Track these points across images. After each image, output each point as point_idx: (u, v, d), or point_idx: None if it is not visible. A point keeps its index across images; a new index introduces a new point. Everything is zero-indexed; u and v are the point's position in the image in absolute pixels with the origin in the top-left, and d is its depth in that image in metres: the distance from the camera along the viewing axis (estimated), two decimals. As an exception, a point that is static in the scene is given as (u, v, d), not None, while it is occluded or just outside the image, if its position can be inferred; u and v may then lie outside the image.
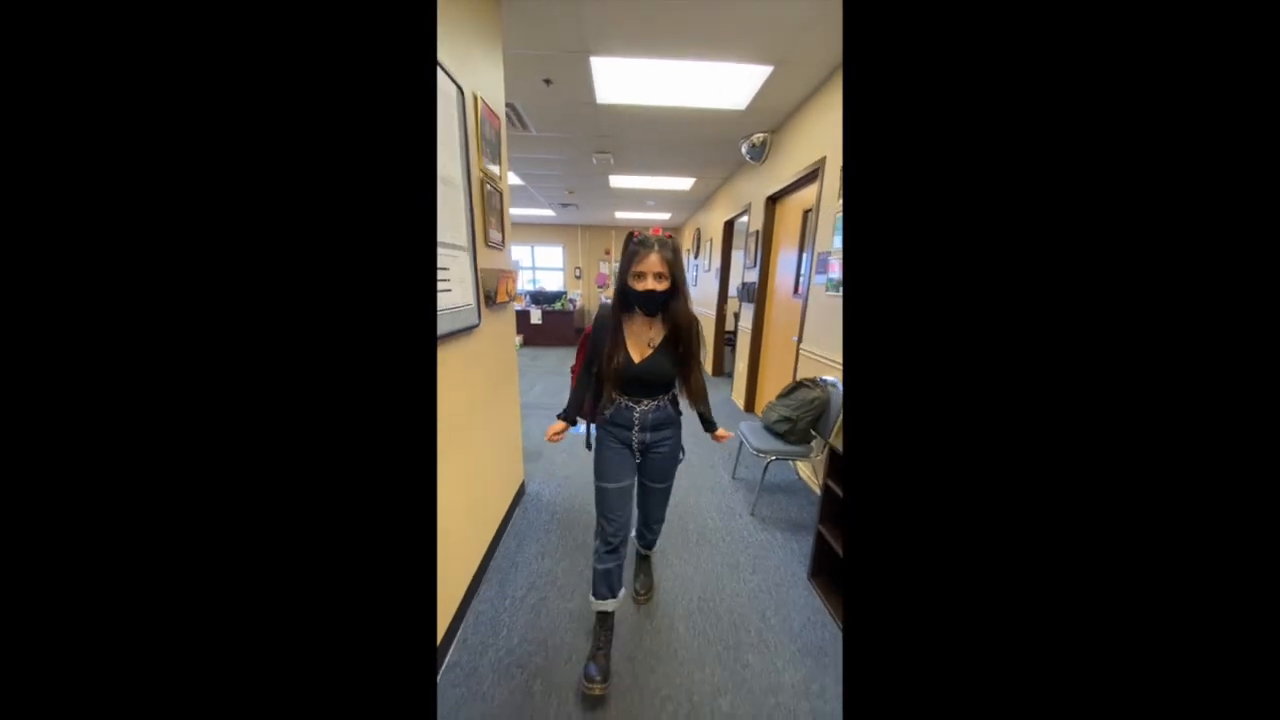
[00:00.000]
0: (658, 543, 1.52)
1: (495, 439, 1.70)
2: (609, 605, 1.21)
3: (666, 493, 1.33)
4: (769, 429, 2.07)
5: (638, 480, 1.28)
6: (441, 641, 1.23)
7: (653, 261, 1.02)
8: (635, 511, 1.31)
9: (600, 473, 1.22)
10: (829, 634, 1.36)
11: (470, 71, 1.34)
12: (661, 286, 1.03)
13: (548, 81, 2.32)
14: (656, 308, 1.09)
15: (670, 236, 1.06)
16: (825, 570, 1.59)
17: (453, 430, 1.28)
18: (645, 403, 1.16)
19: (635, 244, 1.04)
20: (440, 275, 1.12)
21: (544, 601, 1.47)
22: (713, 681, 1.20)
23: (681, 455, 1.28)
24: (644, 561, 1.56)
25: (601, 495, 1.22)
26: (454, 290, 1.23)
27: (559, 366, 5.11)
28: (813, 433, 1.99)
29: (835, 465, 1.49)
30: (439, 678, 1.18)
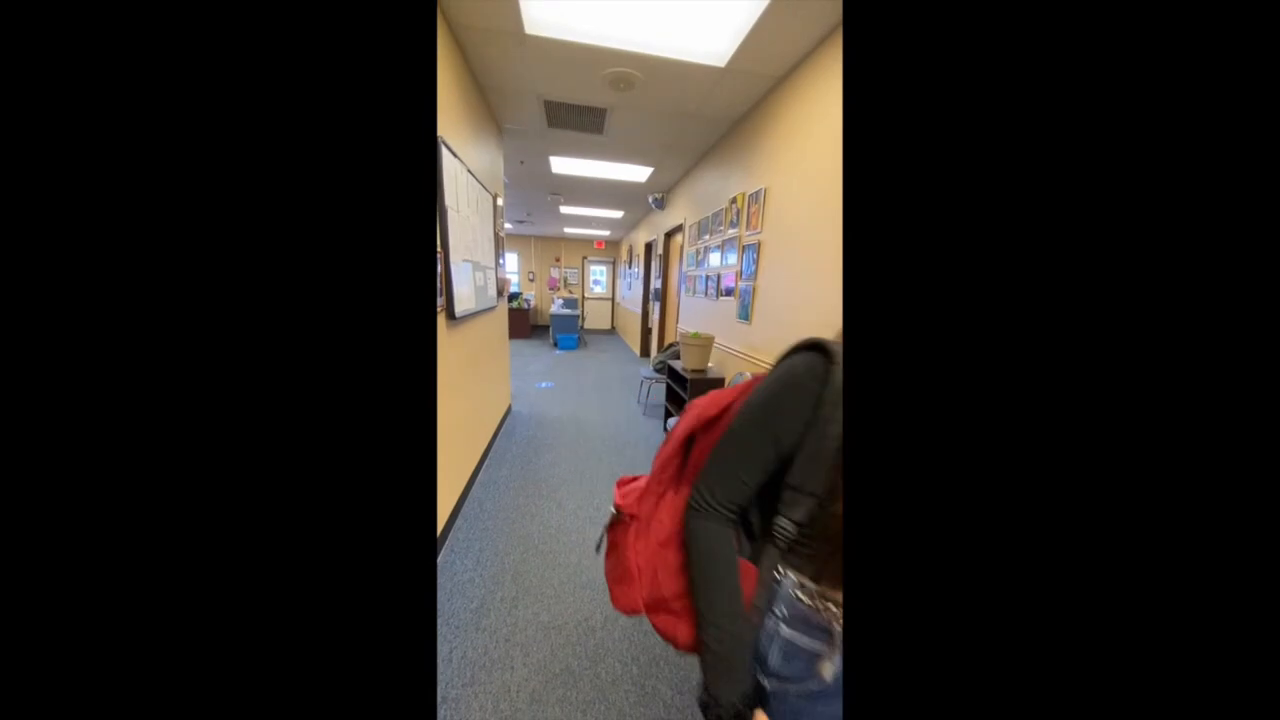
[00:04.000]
0: None
1: (497, 373, 3.19)
2: None
3: None
4: (654, 368, 3.70)
5: None
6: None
7: None
8: None
9: None
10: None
11: (493, 182, 2.83)
12: None
13: (522, 162, 3.84)
14: None
15: None
16: (664, 416, 3.22)
17: (476, 364, 2.75)
18: None
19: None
20: (483, 283, 2.61)
21: (527, 470, 2.98)
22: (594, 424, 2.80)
23: None
24: None
25: None
26: (489, 288, 2.71)
27: (515, 349, 6.54)
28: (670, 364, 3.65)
29: (672, 375, 3.12)
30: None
